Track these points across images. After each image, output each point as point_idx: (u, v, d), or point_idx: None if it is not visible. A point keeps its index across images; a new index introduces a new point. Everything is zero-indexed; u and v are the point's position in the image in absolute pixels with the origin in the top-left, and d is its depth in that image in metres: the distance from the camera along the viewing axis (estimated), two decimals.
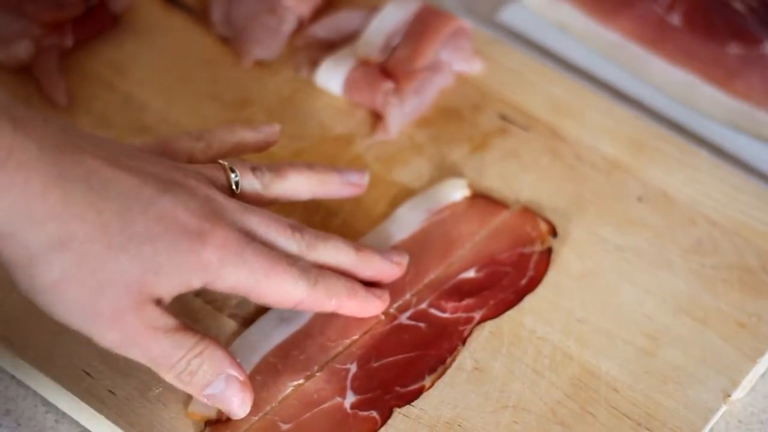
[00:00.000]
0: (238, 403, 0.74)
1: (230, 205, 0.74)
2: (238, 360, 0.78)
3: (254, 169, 0.78)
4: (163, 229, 0.69)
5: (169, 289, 0.70)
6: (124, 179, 0.69)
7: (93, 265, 0.68)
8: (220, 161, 0.77)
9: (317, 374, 0.78)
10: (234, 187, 0.76)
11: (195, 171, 0.75)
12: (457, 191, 0.87)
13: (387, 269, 0.80)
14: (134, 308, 0.69)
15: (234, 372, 0.73)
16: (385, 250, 0.81)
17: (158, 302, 0.70)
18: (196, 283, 0.71)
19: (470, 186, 0.88)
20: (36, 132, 0.67)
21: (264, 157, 0.89)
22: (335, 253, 0.77)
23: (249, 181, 0.77)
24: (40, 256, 0.67)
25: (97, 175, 0.68)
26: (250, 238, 0.73)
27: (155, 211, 0.69)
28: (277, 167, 0.79)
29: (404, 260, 0.81)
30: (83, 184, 0.68)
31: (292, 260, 0.74)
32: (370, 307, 0.79)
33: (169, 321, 0.71)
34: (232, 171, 0.77)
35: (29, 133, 0.67)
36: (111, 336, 0.70)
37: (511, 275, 0.83)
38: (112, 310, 0.69)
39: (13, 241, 0.67)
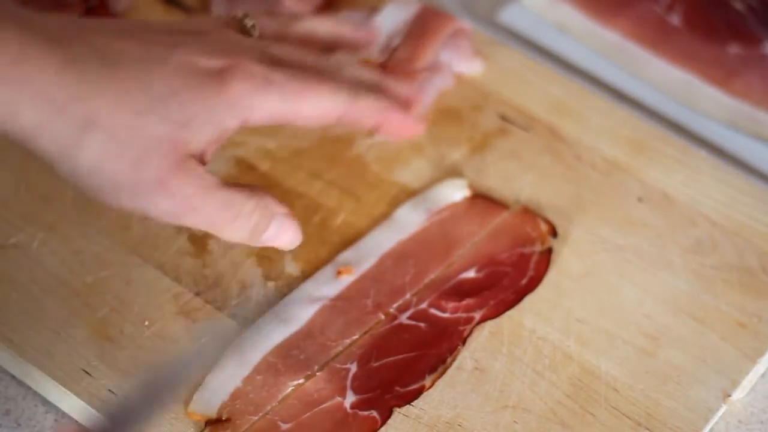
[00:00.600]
0: (290, 238, 0.73)
1: (248, 41, 0.73)
2: (239, 360, 0.78)
3: (269, 13, 0.77)
4: (184, 79, 0.68)
5: (206, 138, 0.69)
6: (135, 47, 0.68)
7: (125, 135, 0.67)
8: (234, 15, 0.75)
9: (317, 374, 0.78)
10: (252, 30, 0.75)
11: (208, 22, 0.74)
12: (457, 191, 0.87)
13: (408, 91, 0.77)
14: (177, 169, 0.68)
15: (281, 210, 0.73)
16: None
17: (200, 160, 0.69)
18: (232, 123, 0.69)
19: (470, 186, 0.88)
20: (42, 26, 0.66)
21: (264, 154, 0.89)
22: (367, 74, 0.75)
23: (265, 23, 0.76)
24: (72, 140, 0.66)
25: (108, 50, 0.68)
26: (276, 64, 0.71)
27: (172, 65, 0.68)
28: (292, 14, 0.78)
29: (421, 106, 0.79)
30: (96, 61, 0.67)
31: (326, 76, 0.72)
32: (409, 124, 0.75)
33: (214, 179, 0.70)
34: (246, 17, 0.75)
35: (35, 28, 0.66)
36: (163, 205, 0.68)
37: (511, 275, 0.83)
38: (156, 176, 0.68)
39: (45, 133, 0.66)
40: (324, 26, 0.78)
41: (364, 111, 0.73)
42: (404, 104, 0.76)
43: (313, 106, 0.71)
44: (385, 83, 0.76)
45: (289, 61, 0.72)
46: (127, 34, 0.69)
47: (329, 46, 0.78)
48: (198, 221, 0.70)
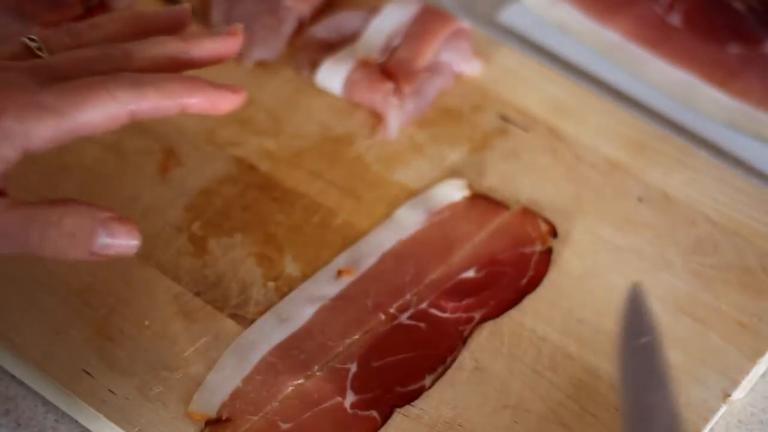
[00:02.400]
0: (126, 242, 0.68)
1: (21, 64, 0.69)
2: (238, 360, 0.78)
3: (61, 29, 0.73)
4: None
5: None
6: None
7: None
8: (22, 38, 0.72)
9: (317, 374, 0.78)
10: (39, 52, 0.71)
11: None
12: (457, 191, 0.87)
13: (221, 44, 0.72)
14: None
15: (104, 214, 0.68)
16: (215, 30, 0.73)
17: None
18: (10, 154, 0.68)
19: (470, 186, 0.88)
20: None
21: (264, 154, 0.89)
22: (160, 48, 0.71)
23: (58, 39, 0.72)
24: None
25: None
26: (50, 81, 0.68)
27: None
28: (90, 22, 0.73)
29: (239, 28, 0.73)
30: None
31: (105, 79, 0.68)
32: (221, 99, 0.71)
33: (4, 201, 0.68)
34: (32, 40, 0.71)
35: None
36: None
37: (511, 275, 0.83)
38: None
39: None
40: (117, 24, 0.73)
41: (157, 99, 0.69)
42: (215, 58, 0.72)
43: (94, 116, 0.68)
44: (191, 47, 0.71)
45: (67, 70, 0.69)
46: None
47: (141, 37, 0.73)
48: (5, 245, 0.68)
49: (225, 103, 0.71)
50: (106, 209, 0.68)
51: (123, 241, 0.68)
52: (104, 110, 0.68)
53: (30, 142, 0.68)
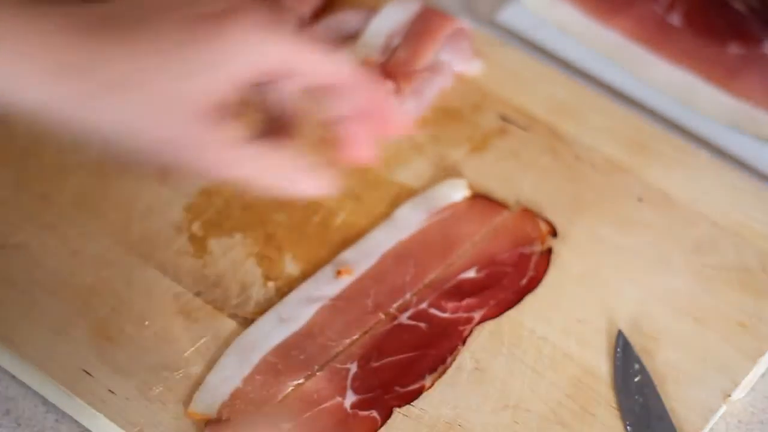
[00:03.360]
0: (326, 185, 0.71)
1: None
2: (239, 360, 0.78)
3: None
4: (189, 30, 0.68)
5: (221, 86, 0.68)
6: (138, 6, 0.68)
7: (142, 96, 0.67)
8: None
9: (317, 374, 0.78)
10: None
11: None
12: (457, 191, 0.87)
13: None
14: (200, 123, 0.67)
15: (314, 159, 0.70)
16: None
17: (226, 113, 0.68)
18: (244, 67, 0.68)
19: (470, 186, 0.88)
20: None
21: None
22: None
23: None
24: (92, 108, 0.66)
25: (114, 15, 0.68)
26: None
27: (177, 17, 0.68)
28: None
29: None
30: (106, 26, 0.67)
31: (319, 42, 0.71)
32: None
33: (240, 133, 0.69)
34: None
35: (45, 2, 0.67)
36: (192, 160, 0.68)
37: (512, 275, 0.83)
38: (179, 133, 0.67)
39: (58, 104, 0.66)
40: None
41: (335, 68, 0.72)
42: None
43: (309, 62, 0.70)
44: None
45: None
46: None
47: None
48: (229, 175, 0.69)
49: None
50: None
51: (323, 185, 0.71)
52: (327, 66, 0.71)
53: (263, 59, 0.68)
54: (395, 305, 0.81)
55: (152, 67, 0.67)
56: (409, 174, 0.89)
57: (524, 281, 0.83)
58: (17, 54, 0.65)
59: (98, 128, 0.67)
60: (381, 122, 0.73)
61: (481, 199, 0.87)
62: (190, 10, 0.68)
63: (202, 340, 0.80)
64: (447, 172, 0.89)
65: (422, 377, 0.78)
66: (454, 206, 0.87)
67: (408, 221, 0.86)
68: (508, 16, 1.02)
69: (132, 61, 0.67)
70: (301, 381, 0.78)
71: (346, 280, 0.82)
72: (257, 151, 0.69)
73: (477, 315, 0.81)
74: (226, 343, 0.79)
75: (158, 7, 0.68)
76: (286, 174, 0.71)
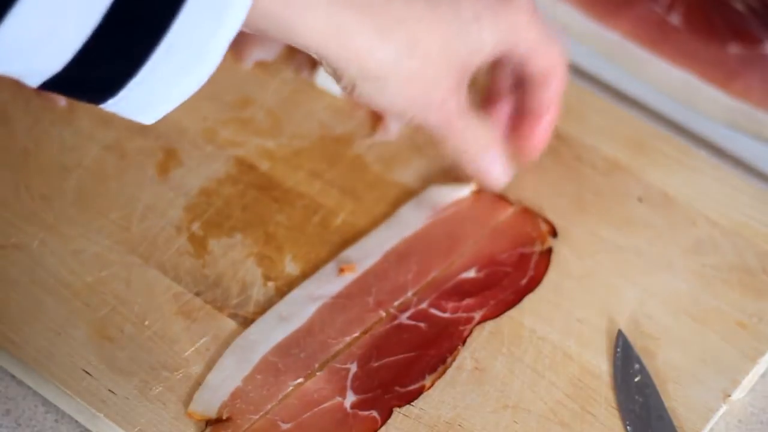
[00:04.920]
0: (499, 173, 0.79)
1: None
2: (239, 359, 0.78)
3: None
4: (485, 2, 0.72)
5: (491, 57, 0.74)
6: None
7: (435, 59, 0.71)
8: None
9: (317, 373, 0.78)
10: None
11: None
12: (463, 188, 0.87)
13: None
14: (456, 89, 0.73)
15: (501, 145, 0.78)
16: None
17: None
18: (510, 44, 0.74)
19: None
20: None
21: (264, 154, 0.89)
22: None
23: None
24: (393, 62, 0.70)
25: None
26: None
27: None
28: None
29: None
30: None
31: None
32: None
33: (469, 101, 0.74)
34: None
35: None
36: (433, 119, 0.74)
37: (512, 275, 0.83)
38: (441, 96, 0.73)
39: (373, 54, 0.70)
40: None
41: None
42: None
43: (559, 54, 0.78)
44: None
45: None
46: None
47: None
48: (442, 139, 0.76)
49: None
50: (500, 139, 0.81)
51: (497, 173, 0.81)
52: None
53: (519, 43, 0.76)
54: (396, 303, 0.81)
55: (451, 35, 0.71)
56: (409, 174, 0.89)
57: (524, 281, 0.83)
58: (349, 5, 0.69)
59: (387, 85, 0.71)
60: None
61: (485, 195, 0.87)
62: None
63: (202, 340, 0.80)
64: (447, 172, 0.89)
65: (422, 377, 0.78)
66: (458, 203, 0.87)
67: (412, 219, 0.86)
68: None
69: (436, 26, 0.71)
70: (301, 380, 0.78)
71: (347, 278, 0.82)
72: (477, 122, 0.75)
73: (477, 315, 0.81)
74: (226, 343, 0.79)
75: None
76: (487, 152, 0.77)
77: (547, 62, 0.78)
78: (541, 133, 0.82)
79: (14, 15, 0.59)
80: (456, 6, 0.72)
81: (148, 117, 0.68)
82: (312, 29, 0.68)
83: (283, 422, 0.76)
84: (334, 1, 0.68)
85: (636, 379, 0.78)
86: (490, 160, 0.79)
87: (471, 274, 0.83)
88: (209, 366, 0.78)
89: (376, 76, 0.71)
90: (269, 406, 0.76)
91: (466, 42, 0.72)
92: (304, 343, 0.79)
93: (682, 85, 0.96)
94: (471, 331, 0.80)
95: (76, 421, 0.78)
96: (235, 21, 0.65)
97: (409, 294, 0.82)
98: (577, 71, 0.98)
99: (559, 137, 0.91)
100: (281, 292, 0.82)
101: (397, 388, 0.78)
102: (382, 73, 0.71)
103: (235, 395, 0.77)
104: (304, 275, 0.83)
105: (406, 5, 0.70)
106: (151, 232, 0.85)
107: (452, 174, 0.89)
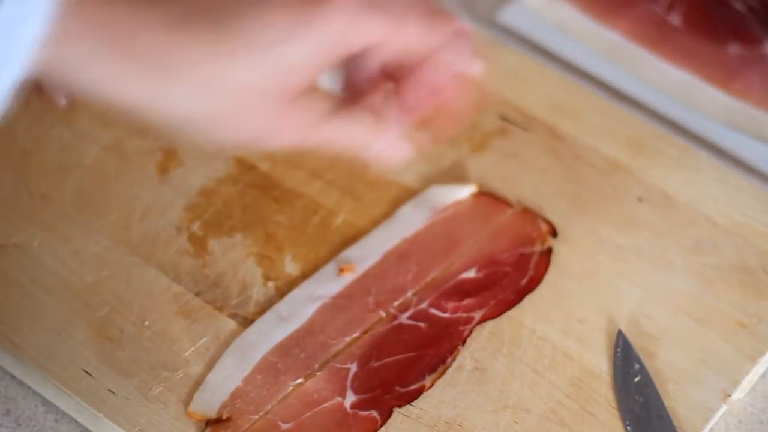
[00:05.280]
0: (399, 156, 0.74)
1: None
2: (239, 359, 0.78)
3: None
4: (287, 22, 0.67)
5: (315, 72, 0.69)
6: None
7: (239, 94, 0.67)
8: None
9: (317, 373, 0.78)
10: None
11: None
12: (463, 189, 0.87)
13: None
14: (291, 109, 0.69)
15: (396, 128, 0.73)
16: None
17: (313, 89, 0.70)
18: (339, 51, 0.69)
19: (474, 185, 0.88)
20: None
21: (264, 154, 0.89)
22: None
23: None
24: (188, 104, 0.67)
25: (210, 8, 0.67)
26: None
27: (272, 12, 0.68)
28: None
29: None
30: (202, 20, 0.67)
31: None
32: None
33: (325, 104, 0.70)
34: None
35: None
36: (283, 141, 0.70)
37: (512, 275, 0.83)
38: (273, 121, 0.68)
39: (161, 102, 0.66)
40: None
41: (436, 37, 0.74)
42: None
43: (416, 32, 0.71)
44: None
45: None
46: None
47: None
48: (318, 145, 0.71)
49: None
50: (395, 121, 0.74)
51: (398, 155, 0.74)
52: (422, 29, 0.72)
53: (357, 40, 0.69)
54: (396, 303, 0.81)
55: (251, 66, 0.67)
56: (409, 174, 0.89)
57: (524, 281, 0.83)
58: (129, 50, 0.65)
59: (195, 125, 0.67)
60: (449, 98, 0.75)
61: (485, 196, 0.87)
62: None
63: (202, 340, 0.80)
64: (447, 172, 0.89)
65: (422, 377, 0.78)
66: (458, 204, 0.87)
67: (411, 219, 0.86)
68: (508, 16, 1.01)
69: (232, 60, 0.66)
70: (301, 380, 0.78)
71: (347, 278, 0.82)
72: (339, 122, 0.70)
73: (477, 315, 0.81)
74: (226, 343, 0.79)
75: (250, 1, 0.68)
76: (368, 141, 0.72)
77: (399, 46, 0.72)
78: (417, 92, 0.75)
79: None
80: (253, 33, 0.67)
81: None
82: (99, 82, 0.65)
83: (283, 422, 0.76)
84: (113, 52, 0.64)
85: (636, 379, 0.78)
86: (377, 147, 0.73)
87: (471, 274, 0.83)
88: (209, 366, 0.78)
89: (180, 121, 0.67)
90: (269, 406, 0.76)
91: (275, 66, 0.67)
92: (304, 343, 0.79)
93: (682, 85, 0.96)
94: (471, 331, 0.80)
95: (76, 421, 0.78)
96: (14, 73, 0.63)
97: (409, 294, 0.82)
98: (577, 71, 0.98)
99: (559, 137, 0.91)
100: (281, 292, 0.82)
101: (397, 388, 0.78)
102: (184, 117, 0.67)
103: (235, 395, 0.77)
104: (304, 275, 0.83)
105: (193, 44, 0.66)
106: (151, 232, 0.85)
107: (452, 174, 0.89)
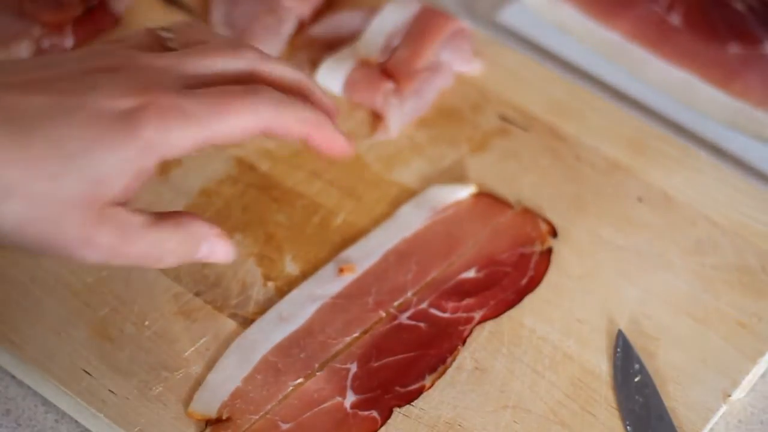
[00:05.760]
0: (224, 254, 0.71)
1: (160, 62, 0.69)
2: (239, 359, 0.78)
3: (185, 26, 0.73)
4: (95, 130, 0.66)
5: (124, 184, 0.67)
6: (43, 100, 0.67)
7: (42, 201, 0.65)
8: (150, 27, 0.73)
9: (317, 373, 0.78)
10: (168, 42, 0.72)
11: (117, 44, 0.71)
12: (463, 189, 0.87)
13: (339, 144, 0.73)
14: (98, 222, 0.67)
15: (211, 231, 0.71)
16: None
17: (123, 203, 0.68)
18: (148, 164, 0.68)
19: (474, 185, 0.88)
20: None
21: (264, 154, 0.89)
22: (287, 71, 0.72)
23: (186, 33, 0.73)
24: None
25: (15, 109, 0.66)
26: (191, 86, 0.69)
27: (84, 115, 0.66)
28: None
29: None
30: (4, 125, 0.65)
31: (247, 89, 0.69)
32: (338, 143, 0.72)
33: (139, 219, 0.68)
34: (163, 29, 0.72)
35: None
36: (92, 256, 0.67)
37: (512, 275, 0.83)
38: (78, 234, 0.66)
39: None
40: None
41: (290, 122, 0.70)
42: (329, 114, 0.73)
43: (234, 126, 0.68)
44: (311, 89, 0.73)
45: (207, 77, 0.70)
46: (33, 86, 0.67)
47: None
48: (129, 263, 0.69)
49: (340, 148, 0.72)
50: (211, 226, 0.71)
51: (220, 255, 0.71)
52: (243, 123, 0.68)
53: (170, 151, 0.68)
54: (396, 303, 0.81)
55: (56, 172, 0.65)
56: (409, 174, 0.89)
57: (524, 281, 0.83)
58: None
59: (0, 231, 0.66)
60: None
61: (485, 197, 0.87)
62: (100, 106, 0.67)
63: (202, 340, 0.80)
64: (447, 172, 0.89)
65: (422, 377, 0.78)
66: (458, 204, 0.87)
67: (411, 219, 0.86)
68: (508, 16, 1.02)
69: (34, 166, 0.65)
70: (301, 380, 0.78)
71: (347, 278, 0.83)
72: (153, 239, 0.69)
73: (477, 315, 0.81)
74: (226, 343, 0.79)
75: (69, 100, 0.67)
76: (182, 255, 0.70)
77: (224, 137, 0.69)
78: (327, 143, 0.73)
79: None
80: (58, 140, 0.65)
81: None
82: None
83: (283, 422, 0.76)
84: None
85: (636, 379, 0.78)
86: (201, 254, 0.71)
87: (471, 274, 0.83)
88: (209, 366, 0.78)
89: None
90: (269, 406, 0.76)
91: (79, 178, 0.65)
92: (304, 343, 0.79)
93: (682, 85, 0.97)
94: (471, 331, 0.80)
95: (76, 421, 0.78)
96: None
97: (409, 294, 0.82)
98: (577, 71, 0.98)
99: (559, 137, 0.91)
100: (281, 292, 0.82)
101: (397, 388, 0.78)
102: None
103: (235, 395, 0.77)
104: (304, 275, 0.83)
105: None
106: None
107: (452, 174, 0.89)
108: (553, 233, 0.86)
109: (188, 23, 0.74)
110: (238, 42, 0.72)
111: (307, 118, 0.70)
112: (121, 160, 0.66)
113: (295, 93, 0.72)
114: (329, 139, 0.72)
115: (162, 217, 0.70)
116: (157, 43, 0.72)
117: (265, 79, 0.71)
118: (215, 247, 0.70)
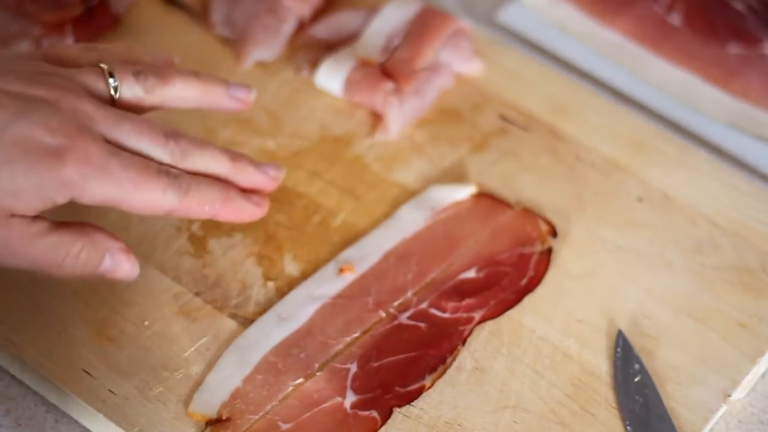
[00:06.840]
0: (128, 269, 0.75)
1: (99, 115, 0.73)
2: (239, 359, 0.78)
3: (137, 74, 0.76)
4: (21, 151, 0.69)
5: (30, 207, 0.70)
6: None
7: None
8: (101, 65, 0.76)
9: (317, 374, 0.78)
10: (113, 92, 0.75)
11: (68, 77, 0.74)
12: (462, 189, 0.87)
13: (261, 180, 0.78)
14: (1, 226, 0.70)
15: (115, 244, 0.74)
16: (262, 162, 0.79)
17: (24, 215, 0.71)
18: (59, 199, 0.71)
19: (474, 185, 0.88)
20: None
21: (264, 155, 0.89)
22: (210, 161, 0.76)
23: (130, 86, 0.76)
24: None
25: None
26: (119, 148, 0.72)
27: (12, 134, 0.69)
28: (162, 73, 0.77)
29: (280, 174, 0.79)
30: None
31: (162, 169, 0.74)
32: (245, 213, 0.77)
33: (40, 226, 0.71)
34: (111, 76, 0.75)
35: None
36: (13, 261, 0.72)
37: (512, 275, 0.83)
38: None
39: None
40: (191, 92, 0.78)
41: (194, 206, 0.75)
42: (252, 188, 0.78)
43: (142, 199, 0.73)
44: (236, 173, 0.77)
45: (134, 148, 0.73)
46: None
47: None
48: (24, 265, 0.72)
49: (250, 215, 0.78)
50: (117, 238, 0.74)
51: (124, 270, 0.75)
52: (150, 199, 0.73)
53: (81, 196, 0.71)
54: (396, 303, 0.81)
55: None
56: (409, 174, 0.89)
57: (524, 281, 0.83)
58: None
59: None
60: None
61: (485, 197, 0.87)
62: (30, 132, 0.70)
63: (202, 340, 0.80)
64: (447, 172, 0.89)
65: (422, 377, 0.78)
66: (458, 205, 0.87)
67: (411, 220, 0.86)
68: (508, 16, 1.02)
69: None
70: (301, 381, 0.78)
71: (347, 278, 0.83)
72: (52, 244, 0.72)
73: (477, 315, 0.81)
74: (226, 343, 0.79)
75: (4, 116, 0.69)
76: (83, 264, 0.73)
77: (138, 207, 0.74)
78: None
79: None
80: None
81: None
82: None
83: (283, 422, 0.76)
84: None
85: (636, 379, 0.78)
86: (105, 266, 0.74)
87: (471, 274, 0.83)
88: (209, 366, 0.78)
89: None
90: (269, 406, 0.76)
91: None
92: (304, 343, 0.79)
93: (682, 85, 0.97)
94: (471, 331, 0.80)
95: (76, 421, 0.78)
96: None
97: (409, 294, 0.82)
98: (577, 71, 0.98)
99: (558, 137, 0.91)
100: (281, 292, 0.82)
101: (397, 388, 0.78)
102: None
103: (235, 395, 0.77)
104: (304, 275, 0.83)
105: None
106: (151, 232, 0.85)
107: (452, 174, 0.89)
108: (553, 233, 0.86)
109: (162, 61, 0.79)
110: (173, 130, 0.75)
111: (213, 198, 0.75)
112: (38, 185, 0.70)
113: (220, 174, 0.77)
114: (233, 214, 0.77)
115: (66, 224, 0.73)
116: (105, 85, 0.75)
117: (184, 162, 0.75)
118: (119, 262, 0.74)
